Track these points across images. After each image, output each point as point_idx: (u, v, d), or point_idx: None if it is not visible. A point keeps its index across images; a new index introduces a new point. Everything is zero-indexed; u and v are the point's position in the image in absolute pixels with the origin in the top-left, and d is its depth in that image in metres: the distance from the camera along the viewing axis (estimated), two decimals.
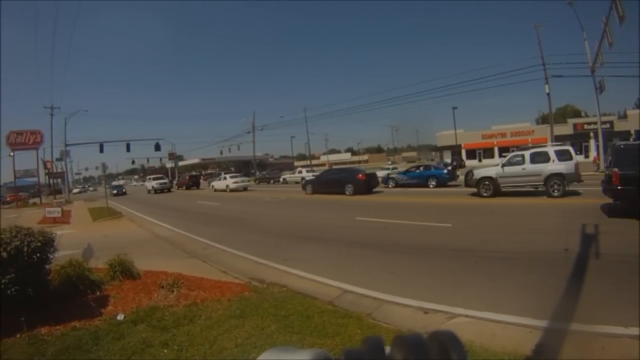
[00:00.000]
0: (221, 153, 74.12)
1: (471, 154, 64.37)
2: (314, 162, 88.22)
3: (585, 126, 49.82)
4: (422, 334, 0.51)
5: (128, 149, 50.63)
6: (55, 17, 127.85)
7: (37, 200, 41.98)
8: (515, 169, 17.20)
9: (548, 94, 33.09)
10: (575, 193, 16.52)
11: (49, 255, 5.73)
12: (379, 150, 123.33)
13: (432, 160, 53.79)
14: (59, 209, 21.45)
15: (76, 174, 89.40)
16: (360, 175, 23.60)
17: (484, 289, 5.88)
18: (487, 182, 17.85)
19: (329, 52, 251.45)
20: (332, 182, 24.87)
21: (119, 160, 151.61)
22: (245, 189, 36.08)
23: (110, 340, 4.57)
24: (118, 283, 6.78)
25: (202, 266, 8.68)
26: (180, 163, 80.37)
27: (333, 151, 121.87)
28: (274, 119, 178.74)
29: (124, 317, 5.32)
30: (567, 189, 15.92)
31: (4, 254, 5.02)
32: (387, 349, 0.50)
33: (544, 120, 60.01)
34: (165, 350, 4.28)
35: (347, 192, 23.21)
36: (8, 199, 55.65)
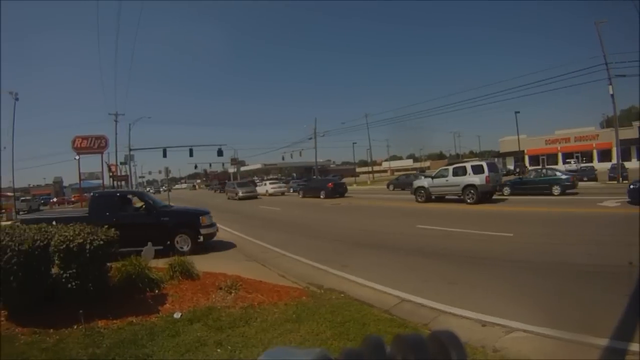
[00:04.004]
0: (283, 159, 76.74)
1: (534, 160, 63.07)
2: (376, 168, 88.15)
3: None
4: (422, 333, 0.53)
5: (191, 154, 53.36)
6: (117, 27, 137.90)
7: None
8: (441, 181, 22.35)
9: (612, 95, 30.67)
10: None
11: (110, 252, 6.23)
12: (440, 156, 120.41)
13: None
14: None
15: (140, 177, 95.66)
16: (329, 184, 33.97)
17: (545, 304, 5.74)
18: (422, 191, 23.30)
19: (390, 59, 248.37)
20: (314, 188, 34.77)
21: (182, 164, 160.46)
22: (282, 193, 43.26)
23: (166, 337, 4.90)
24: (177, 283, 7.22)
25: (261, 269, 9.03)
26: (243, 168, 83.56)
27: (395, 157, 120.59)
28: (335, 125, 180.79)
29: (181, 315, 5.67)
30: (480, 197, 20.14)
31: (67, 250, 5.55)
32: (388, 349, 0.51)
33: (608, 123, 57.54)
34: (219, 350, 4.51)
35: (321, 196, 32.45)
36: (72, 199, 61.47)
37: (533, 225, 12.80)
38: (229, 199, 40.12)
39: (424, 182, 23.94)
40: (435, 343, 0.49)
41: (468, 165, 21.38)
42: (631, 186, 16.56)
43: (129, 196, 12.81)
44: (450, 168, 22.35)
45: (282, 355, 0.65)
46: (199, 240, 11.26)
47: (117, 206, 11.30)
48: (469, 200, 20.31)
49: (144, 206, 11.82)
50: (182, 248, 10.90)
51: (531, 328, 4.89)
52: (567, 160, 57.11)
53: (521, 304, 5.78)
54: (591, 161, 51.98)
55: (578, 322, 4.90)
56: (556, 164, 58.48)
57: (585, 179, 32.99)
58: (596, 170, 36.69)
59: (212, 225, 11.93)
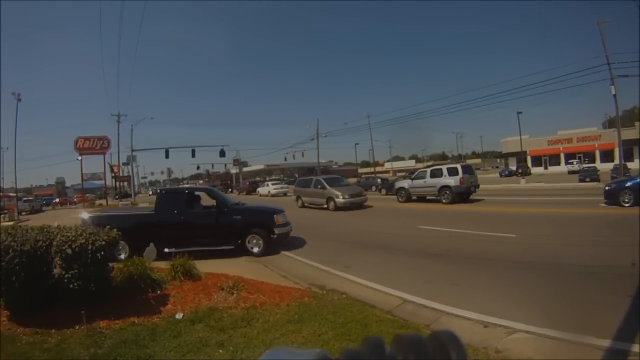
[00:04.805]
0: (285, 159, 76.66)
1: (537, 161, 63.91)
2: (378, 169, 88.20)
3: None
4: (422, 333, 0.53)
5: (193, 155, 53.32)
6: (120, 27, 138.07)
7: (103, 201, 45.47)
8: (419, 182, 23.71)
9: (614, 95, 30.41)
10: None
11: (112, 253, 6.24)
12: (443, 157, 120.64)
13: (496, 167, 52.69)
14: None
15: (142, 177, 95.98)
16: None
17: (547, 305, 5.73)
18: (402, 192, 24.87)
19: (393, 59, 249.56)
20: None
21: (184, 165, 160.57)
22: (285, 194, 42.55)
23: (167, 337, 4.91)
24: (179, 283, 7.22)
25: (263, 270, 9.01)
26: (245, 169, 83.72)
27: (397, 158, 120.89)
28: (338, 125, 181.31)
29: (183, 316, 5.69)
30: (455, 198, 21.27)
31: (69, 251, 5.56)
32: (388, 349, 0.51)
33: (610, 124, 57.53)
34: (221, 351, 4.52)
35: None
36: (75, 200, 61.82)
37: (534, 226, 12.78)
38: (301, 207, 25.17)
39: (404, 183, 25.66)
40: (435, 343, 0.49)
41: (444, 168, 22.97)
42: (607, 187, 16.38)
43: (198, 193, 12.32)
44: (428, 170, 23.85)
45: (283, 355, 0.66)
46: (272, 238, 10.86)
47: (186, 203, 10.97)
48: (444, 200, 21.61)
49: (214, 204, 11.42)
50: (252, 249, 10.61)
51: (533, 329, 4.87)
52: (570, 160, 57.22)
53: (523, 305, 5.77)
54: (594, 162, 51.93)
55: (580, 323, 4.88)
56: (559, 164, 58.78)
57: (587, 179, 33.01)
58: (599, 170, 36.65)
59: (287, 224, 11.55)
